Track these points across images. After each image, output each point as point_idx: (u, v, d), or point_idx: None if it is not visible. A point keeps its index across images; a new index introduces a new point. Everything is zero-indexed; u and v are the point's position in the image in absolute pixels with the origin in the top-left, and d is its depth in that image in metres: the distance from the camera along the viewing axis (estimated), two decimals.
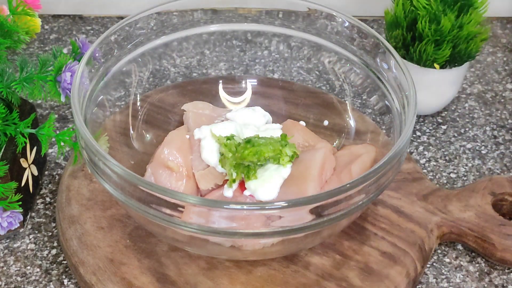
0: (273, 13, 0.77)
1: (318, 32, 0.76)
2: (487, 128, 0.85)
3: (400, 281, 0.64)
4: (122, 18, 0.72)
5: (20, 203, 0.67)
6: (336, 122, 0.77)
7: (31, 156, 0.72)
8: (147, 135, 0.76)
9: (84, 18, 1.02)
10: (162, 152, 0.69)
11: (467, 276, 0.69)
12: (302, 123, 0.77)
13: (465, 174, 0.79)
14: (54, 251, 0.70)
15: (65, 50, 0.90)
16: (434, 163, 0.80)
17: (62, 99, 0.68)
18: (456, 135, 0.84)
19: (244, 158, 0.65)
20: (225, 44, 0.82)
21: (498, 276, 0.69)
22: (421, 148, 0.82)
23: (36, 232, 0.72)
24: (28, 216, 0.73)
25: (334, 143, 0.75)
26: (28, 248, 0.70)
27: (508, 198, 0.72)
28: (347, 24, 0.74)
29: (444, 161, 0.81)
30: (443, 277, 0.69)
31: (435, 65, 0.79)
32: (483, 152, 0.82)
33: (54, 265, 0.69)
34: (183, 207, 0.56)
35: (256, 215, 0.57)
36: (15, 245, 0.70)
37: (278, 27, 0.78)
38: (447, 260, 0.70)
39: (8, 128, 0.67)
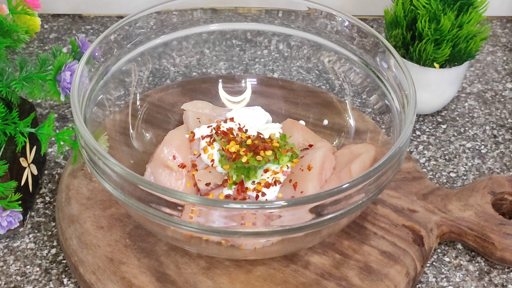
0: (273, 13, 0.77)
1: (318, 32, 0.76)
2: (487, 128, 0.85)
3: (399, 280, 0.64)
4: (121, 17, 0.72)
5: (20, 202, 0.67)
6: (335, 121, 0.77)
7: (30, 156, 0.72)
8: (147, 135, 0.76)
9: (84, 17, 1.02)
10: (161, 151, 0.69)
11: (467, 276, 0.69)
12: (302, 122, 0.77)
13: (465, 173, 0.79)
14: (53, 251, 0.70)
15: (64, 50, 0.90)
16: (434, 163, 0.80)
17: (62, 98, 0.68)
18: (456, 134, 0.84)
19: (244, 163, 0.66)
20: (224, 43, 0.82)
21: (497, 275, 0.69)
22: (421, 147, 0.82)
23: (36, 231, 0.72)
24: (28, 216, 0.73)
25: (334, 142, 0.75)
26: (28, 247, 0.70)
27: (508, 197, 0.72)
28: (347, 23, 0.74)
29: (444, 161, 0.81)
30: (443, 276, 0.69)
31: (435, 64, 0.79)
32: (483, 151, 0.82)
33: (54, 264, 0.69)
34: (182, 206, 0.55)
35: (255, 215, 0.56)
36: (14, 245, 0.70)
37: (278, 26, 0.78)
38: (447, 259, 0.70)
39: (7, 127, 0.67)
